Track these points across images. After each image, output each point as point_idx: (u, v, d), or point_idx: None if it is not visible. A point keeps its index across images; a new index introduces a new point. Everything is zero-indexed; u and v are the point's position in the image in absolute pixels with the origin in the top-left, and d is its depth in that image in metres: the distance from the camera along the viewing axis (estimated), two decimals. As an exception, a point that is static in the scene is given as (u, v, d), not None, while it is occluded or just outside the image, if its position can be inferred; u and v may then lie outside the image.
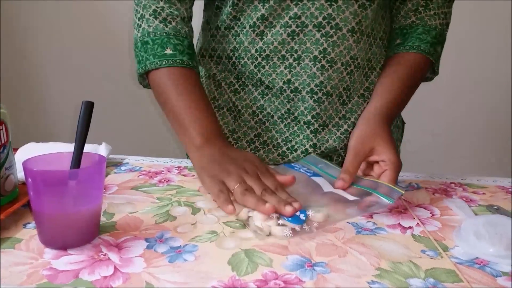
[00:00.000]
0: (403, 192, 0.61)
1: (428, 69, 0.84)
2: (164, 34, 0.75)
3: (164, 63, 0.74)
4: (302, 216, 0.56)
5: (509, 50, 1.88)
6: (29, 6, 1.99)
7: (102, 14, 1.99)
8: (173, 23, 0.76)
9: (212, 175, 0.63)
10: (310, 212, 0.57)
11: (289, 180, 0.63)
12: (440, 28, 0.84)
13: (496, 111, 1.97)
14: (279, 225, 0.55)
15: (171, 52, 0.74)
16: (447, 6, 0.84)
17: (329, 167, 0.70)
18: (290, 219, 0.55)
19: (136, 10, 0.79)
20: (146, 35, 0.76)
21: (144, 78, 0.80)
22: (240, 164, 0.64)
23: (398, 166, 0.66)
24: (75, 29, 2.02)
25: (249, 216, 0.57)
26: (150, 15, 0.76)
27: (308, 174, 0.68)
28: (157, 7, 0.76)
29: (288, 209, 0.55)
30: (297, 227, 0.55)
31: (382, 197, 0.61)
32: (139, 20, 0.78)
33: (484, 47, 1.90)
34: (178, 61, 0.74)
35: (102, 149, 0.78)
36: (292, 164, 0.73)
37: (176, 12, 0.77)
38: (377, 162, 0.68)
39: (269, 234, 0.54)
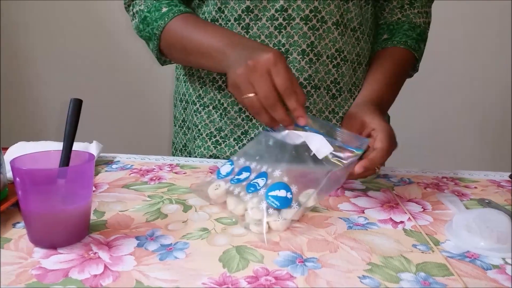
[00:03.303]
0: (368, 140, 0.61)
1: (411, 64, 0.86)
2: (154, 1, 0.80)
3: (166, 19, 0.77)
4: (289, 195, 0.55)
5: (505, 48, 1.89)
6: (21, 3, 1.98)
7: (94, 12, 1.98)
8: None
9: (233, 84, 0.64)
10: (294, 188, 0.56)
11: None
12: (424, 26, 0.87)
13: (491, 107, 1.98)
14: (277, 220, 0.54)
15: (167, 8, 0.78)
16: (428, 5, 0.88)
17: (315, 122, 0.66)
18: (279, 204, 0.54)
19: (127, 5, 0.84)
20: (141, 13, 0.81)
21: (161, 56, 0.83)
22: (252, 63, 0.61)
23: (389, 132, 0.64)
24: (66, 28, 2.00)
25: (246, 211, 0.57)
26: None
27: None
28: None
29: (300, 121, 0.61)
30: (287, 212, 0.54)
31: (354, 150, 0.59)
32: (132, 10, 0.83)
33: (480, 45, 1.91)
34: (176, 11, 0.77)
35: (93, 147, 0.77)
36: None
37: None
38: (369, 135, 0.65)
39: (268, 229, 0.53)
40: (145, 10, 0.80)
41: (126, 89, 2.06)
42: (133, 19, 0.83)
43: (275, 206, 0.55)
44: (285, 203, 0.54)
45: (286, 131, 0.63)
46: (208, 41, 0.72)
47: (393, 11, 0.87)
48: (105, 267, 0.45)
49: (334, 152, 0.59)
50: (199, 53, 0.73)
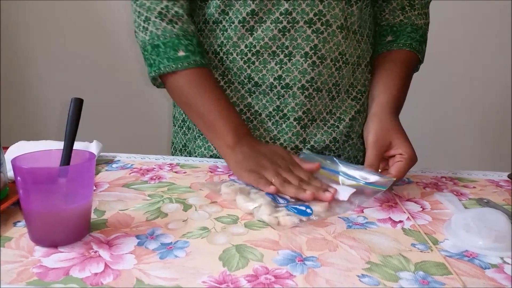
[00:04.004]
0: (393, 179, 0.64)
1: (415, 66, 0.88)
2: (174, 36, 0.76)
3: (179, 66, 0.75)
4: (308, 210, 0.57)
5: (505, 48, 1.89)
6: (21, 3, 1.98)
7: (94, 12, 1.98)
8: (179, 23, 0.76)
9: (249, 169, 0.67)
10: (315, 207, 0.58)
11: (316, 167, 0.69)
12: (424, 27, 0.88)
13: (491, 108, 1.98)
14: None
15: (184, 54, 0.75)
16: (426, 7, 0.89)
17: (326, 161, 0.71)
18: (297, 211, 0.57)
19: (139, 12, 0.78)
20: (155, 38, 0.76)
21: (156, 79, 0.80)
22: (273, 159, 0.69)
23: (413, 160, 0.70)
24: (66, 27, 2.00)
25: (255, 208, 0.58)
26: (156, 17, 0.76)
27: None
28: (162, 9, 0.76)
29: (327, 194, 0.61)
30: (304, 218, 0.56)
31: (375, 187, 0.63)
32: (144, 23, 0.77)
33: (480, 45, 1.91)
34: (192, 62, 0.75)
35: (93, 147, 0.78)
36: None
37: (181, 11, 0.77)
38: (392, 156, 0.71)
39: (278, 224, 0.55)
40: (161, 39, 0.75)
41: (126, 89, 2.06)
42: (142, 32, 0.78)
43: (294, 212, 0.57)
44: (303, 214, 0.57)
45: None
46: (217, 121, 0.74)
47: (395, 12, 0.87)
48: (106, 265, 0.46)
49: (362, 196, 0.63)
50: (204, 124, 0.77)
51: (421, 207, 0.63)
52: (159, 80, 0.80)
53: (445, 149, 2.02)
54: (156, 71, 0.77)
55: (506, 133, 1.97)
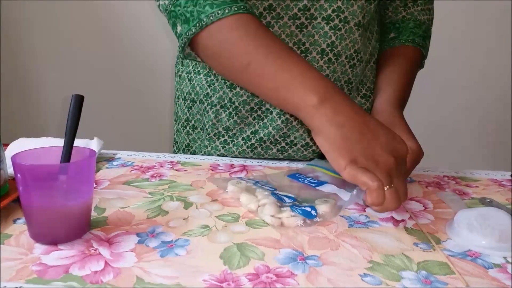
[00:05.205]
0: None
1: (420, 61, 0.87)
2: None
3: (227, 11, 0.59)
4: (313, 212, 0.56)
5: (505, 48, 1.89)
6: (21, 2, 1.97)
7: (95, 9, 1.97)
8: None
9: (351, 159, 0.51)
10: (320, 210, 0.58)
11: None
12: (428, 23, 0.88)
13: (492, 106, 1.97)
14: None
15: None
16: (430, 2, 0.89)
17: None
18: (301, 212, 0.56)
19: None
20: None
21: (185, 48, 0.66)
22: (388, 146, 0.52)
23: (417, 154, 0.67)
24: (67, 24, 2.00)
25: (258, 206, 0.58)
26: None
27: (313, 185, 0.66)
28: None
29: None
30: (308, 221, 0.55)
31: None
32: None
33: (480, 45, 1.91)
34: (242, 7, 0.60)
35: (93, 144, 0.77)
36: (296, 175, 0.70)
37: None
38: None
39: (281, 225, 0.54)
40: None
41: (127, 86, 2.05)
42: None
43: (298, 213, 0.56)
44: (308, 216, 0.56)
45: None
46: (293, 77, 0.57)
47: (397, 9, 0.87)
48: (106, 263, 0.45)
49: None
50: (273, 83, 0.58)
51: (423, 206, 0.63)
52: (188, 50, 0.67)
53: (447, 148, 2.01)
54: (197, 24, 0.61)
55: (508, 132, 1.96)
